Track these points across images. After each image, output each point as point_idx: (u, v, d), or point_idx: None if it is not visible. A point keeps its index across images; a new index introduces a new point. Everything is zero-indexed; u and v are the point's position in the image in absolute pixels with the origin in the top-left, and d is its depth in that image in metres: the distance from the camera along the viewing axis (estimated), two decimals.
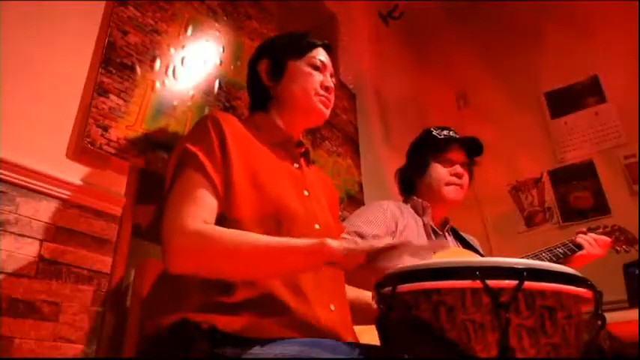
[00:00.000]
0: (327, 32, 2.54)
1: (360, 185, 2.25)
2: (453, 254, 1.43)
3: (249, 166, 0.95)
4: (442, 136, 1.56)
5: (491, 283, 0.60)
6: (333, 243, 0.78)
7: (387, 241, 0.77)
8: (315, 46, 1.13)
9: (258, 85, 1.13)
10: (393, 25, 3.13)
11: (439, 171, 1.53)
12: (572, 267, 1.44)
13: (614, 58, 2.73)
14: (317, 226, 0.99)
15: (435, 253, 1.30)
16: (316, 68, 1.11)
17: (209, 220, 0.86)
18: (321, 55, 1.13)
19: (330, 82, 1.12)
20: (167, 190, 0.92)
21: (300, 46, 1.12)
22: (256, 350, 0.76)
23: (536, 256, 1.42)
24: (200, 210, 0.85)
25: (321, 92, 1.09)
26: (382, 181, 2.45)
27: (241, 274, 0.83)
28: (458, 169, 1.53)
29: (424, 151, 1.58)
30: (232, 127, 0.97)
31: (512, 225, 2.80)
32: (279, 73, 1.10)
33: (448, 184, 1.52)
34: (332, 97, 1.12)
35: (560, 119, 2.87)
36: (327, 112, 1.11)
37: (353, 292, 1.08)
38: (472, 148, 1.56)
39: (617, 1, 2.78)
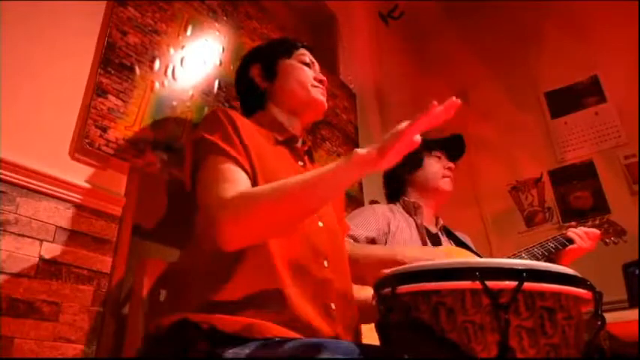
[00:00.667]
0: (327, 32, 2.54)
1: (360, 185, 2.25)
2: (449, 254, 1.43)
3: (259, 162, 0.95)
4: (429, 137, 1.62)
5: (490, 284, 0.60)
6: (361, 151, 0.79)
7: (408, 124, 0.76)
8: (299, 46, 1.19)
9: (252, 89, 1.16)
10: (393, 25, 3.13)
11: (435, 165, 1.61)
12: (563, 262, 1.45)
13: (614, 58, 2.73)
14: (320, 223, 0.99)
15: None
16: (306, 64, 1.16)
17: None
18: (307, 54, 1.18)
19: (322, 77, 1.17)
20: (190, 180, 0.93)
21: (286, 47, 1.18)
22: (256, 350, 0.76)
23: (528, 252, 1.42)
24: (233, 185, 0.86)
25: (316, 83, 1.14)
26: (382, 181, 2.44)
27: (289, 216, 0.84)
28: (450, 163, 1.63)
29: (417, 148, 1.62)
30: (241, 121, 0.99)
31: (512, 225, 2.80)
32: (272, 73, 1.15)
33: (444, 176, 1.59)
34: (325, 90, 1.16)
35: (560, 119, 2.87)
36: (325, 100, 1.15)
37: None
38: (456, 149, 1.66)
39: (617, 1, 2.78)
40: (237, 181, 0.87)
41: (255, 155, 0.95)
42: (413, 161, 1.61)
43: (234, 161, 0.90)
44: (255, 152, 0.95)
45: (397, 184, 1.65)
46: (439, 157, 1.62)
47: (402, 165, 1.65)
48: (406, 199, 1.59)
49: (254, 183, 0.91)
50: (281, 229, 0.85)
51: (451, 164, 1.62)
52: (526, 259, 1.39)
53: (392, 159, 0.79)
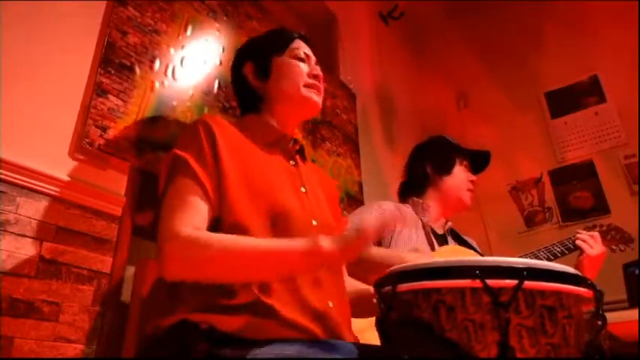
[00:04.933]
0: (327, 32, 2.54)
1: (360, 185, 2.25)
2: (454, 253, 1.43)
3: (243, 168, 0.95)
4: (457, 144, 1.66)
5: (491, 282, 0.59)
6: (325, 243, 0.78)
7: (373, 222, 0.77)
8: (293, 38, 1.15)
9: (246, 88, 1.14)
10: (393, 25, 3.13)
11: (463, 175, 1.60)
12: (585, 272, 1.41)
13: (614, 58, 2.73)
14: (314, 222, 0.99)
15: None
16: (301, 60, 1.12)
17: (201, 226, 0.86)
18: (301, 46, 1.14)
19: (318, 70, 1.13)
20: (160, 196, 0.92)
21: (279, 42, 1.14)
22: (255, 351, 0.76)
23: (534, 255, 1.42)
24: (192, 216, 0.85)
25: (310, 81, 1.10)
26: (382, 181, 2.45)
27: (233, 278, 0.83)
28: (473, 176, 1.62)
29: (450, 150, 1.63)
30: (223, 130, 0.98)
31: (512, 225, 2.79)
32: (265, 72, 1.12)
33: (468, 190, 1.60)
34: (322, 84, 1.13)
35: (560, 119, 2.86)
36: (320, 100, 1.12)
37: (350, 287, 1.08)
38: (482, 164, 1.67)
39: (617, 1, 2.78)
40: (196, 211, 0.86)
41: (237, 165, 0.94)
42: (444, 165, 1.60)
43: (200, 186, 0.88)
44: (236, 162, 0.94)
45: (420, 181, 1.63)
46: (466, 167, 1.62)
47: (432, 164, 1.64)
48: (415, 199, 1.58)
49: (231, 197, 0.90)
50: (218, 281, 0.84)
51: (474, 177, 1.62)
52: None
53: (351, 257, 0.80)
